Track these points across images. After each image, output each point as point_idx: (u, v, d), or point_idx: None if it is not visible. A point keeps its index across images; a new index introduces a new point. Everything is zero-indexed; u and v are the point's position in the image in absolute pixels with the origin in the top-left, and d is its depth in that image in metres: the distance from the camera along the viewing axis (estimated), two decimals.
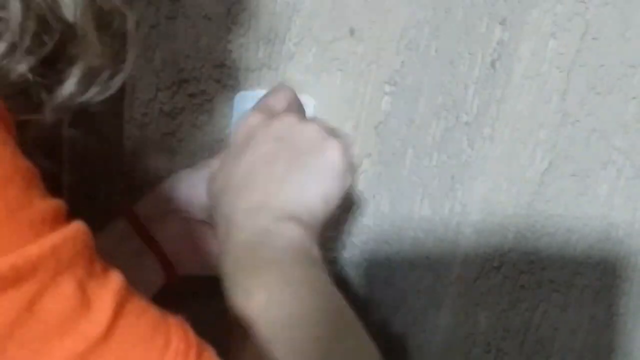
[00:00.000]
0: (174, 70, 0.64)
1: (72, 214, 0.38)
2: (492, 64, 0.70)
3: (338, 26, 0.66)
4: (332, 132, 0.56)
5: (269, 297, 0.47)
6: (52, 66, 0.42)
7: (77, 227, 0.37)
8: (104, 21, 0.43)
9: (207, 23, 0.63)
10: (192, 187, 0.61)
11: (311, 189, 0.53)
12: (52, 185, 0.38)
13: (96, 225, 0.40)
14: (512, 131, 0.72)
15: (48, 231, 0.36)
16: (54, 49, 0.41)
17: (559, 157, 0.74)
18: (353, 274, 0.73)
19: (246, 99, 0.66)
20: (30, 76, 0.40)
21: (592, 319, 0.80)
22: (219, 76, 0.65)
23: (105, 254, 0.39)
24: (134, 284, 0.39)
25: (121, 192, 0.66)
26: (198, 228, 0.61)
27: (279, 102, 0.59)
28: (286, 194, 0.52)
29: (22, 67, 0.39)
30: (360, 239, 0.72)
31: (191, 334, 0.40)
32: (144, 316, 0.38)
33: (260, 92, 0.66)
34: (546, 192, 0.75)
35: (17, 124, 0.38)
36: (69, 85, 0.42)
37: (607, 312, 0.80)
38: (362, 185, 0.71)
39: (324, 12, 0.66)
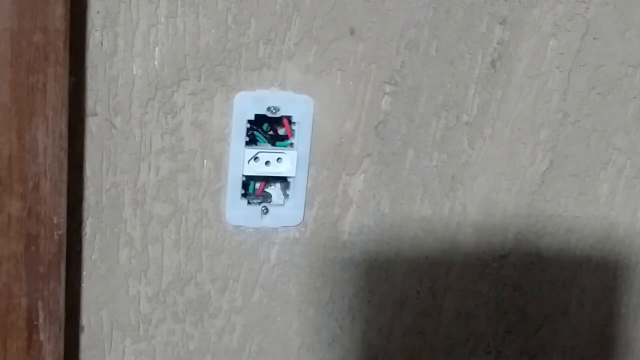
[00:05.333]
0: (174, 69, 0.64)
1: None
2: (493, 64, 0.70)
3: (338, 26, 0.66)
4: None
5: None
6: None
7: None
8: None
9: (207, 22, 0.64)
10: None
11: None
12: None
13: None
14: (512, 131, 0.72)
15: None
16: None
17: (559, 157, 0.74)
18: (353, 274, 0.73)
19: (246, 99, 0.66)
20: None
21: (592, 320, 0.80)
22: (219, 75, 0.65)
23: None
24: None
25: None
26: None
27: None
28: None
29: None
30: (360, 239, 0.72)
31: None
32: None
33: (260, 92, 0.67)
34: (546, 192, 0.75)
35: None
36: None
37: (608, 313, 0.80)
38: (362, 185, 0.71)
39: (324, 12, 0.66)
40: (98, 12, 0.62)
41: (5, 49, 0.57)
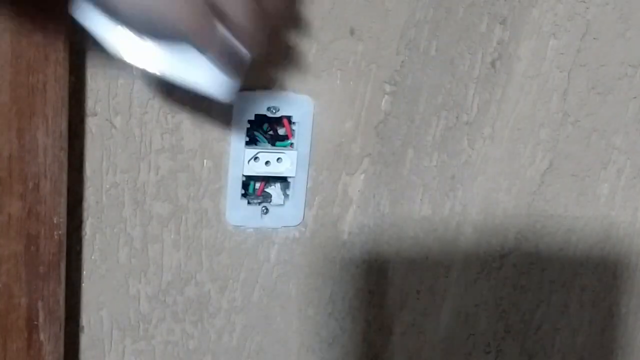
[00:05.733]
0: None
1: None
2: (493, 64, 0.70)
3: (338, 26, 0.66)
4: None
5: None
6: None
7: None
8: None
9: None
10: None
11: None
12: None
13: None
14: (512, 131, 0.72)
15: None
16: None
17: (559, 157, 0.74)
18: (353, 274, 0.73)
19: (247, 99, 0.66)
20: None
21: (592, 319, 0.80)
22: None
23: None
24: None
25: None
26: None
27: None
28: None
29: None
30: (360, 239, 0.72)
31: None
32: None
33: (260, 93, 0.67)
34: (546, 192, 0.75)
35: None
36: None
37: (608, 313, 0.80)
38: (362, 185, 0.71)
39: (324, 12, 0.66)
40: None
41: (5, 49, 0.57)
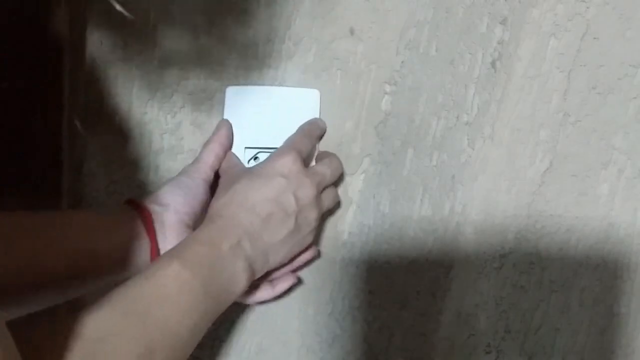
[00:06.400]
0: (174, 69, 0.64)
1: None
2: (493, 64, 0.70)
3: (338, 26, 0.66)
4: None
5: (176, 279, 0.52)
6: None
7: None
8: None
9: (206, 23, 0.64)
10: (188, 194, 0.61)
11: (284, 257, 0.63)
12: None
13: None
14: (512, 131, 0.72)
15: None
16: None
17: (559, 157, 0.74)
18: (353, 274, 0.73)
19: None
20: None
21: (592, 320, 0.80)
22: (219, 75, 0.65)
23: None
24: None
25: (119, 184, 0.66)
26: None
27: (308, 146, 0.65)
28: (267, 251, 0.60)
29: None
30: (360, 239, 0.72)
31: None
32: None
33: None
34: (546, 192, 0.75)
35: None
36: None
37: (608, 313, 0.80)
38: (362, 185, 0.71)
39: (324, 12, 0.66)
40: (98, 12, 0.62)
41: (7, 48, 0.58)
